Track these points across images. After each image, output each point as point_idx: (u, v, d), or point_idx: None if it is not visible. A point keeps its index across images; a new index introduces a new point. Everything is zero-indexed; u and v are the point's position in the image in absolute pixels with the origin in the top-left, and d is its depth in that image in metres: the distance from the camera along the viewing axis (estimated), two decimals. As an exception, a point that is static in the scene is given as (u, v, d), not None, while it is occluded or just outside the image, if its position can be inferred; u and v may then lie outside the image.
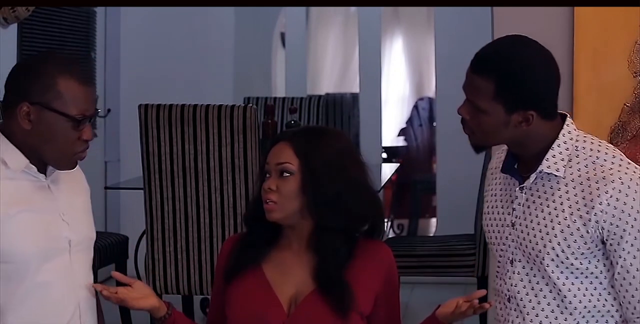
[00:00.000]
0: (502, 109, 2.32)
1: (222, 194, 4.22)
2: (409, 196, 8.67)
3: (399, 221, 8.62)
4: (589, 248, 2.34)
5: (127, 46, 6.83)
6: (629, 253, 2.32)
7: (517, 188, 2.43)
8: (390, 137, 9.42)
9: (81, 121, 2.34)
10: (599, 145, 2.38)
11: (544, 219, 2.37)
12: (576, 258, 2.34)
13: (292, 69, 8.58)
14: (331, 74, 9.86)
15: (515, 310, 2.43)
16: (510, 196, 2.46)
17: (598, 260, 2.36)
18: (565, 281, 2.36)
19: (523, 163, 2.43)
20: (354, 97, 8.42)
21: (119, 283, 2.60)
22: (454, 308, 2.41)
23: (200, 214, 4.26)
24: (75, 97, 2.33)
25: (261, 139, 4.37)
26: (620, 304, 2.37)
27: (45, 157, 2.37)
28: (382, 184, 5.29)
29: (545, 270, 2.36)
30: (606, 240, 2.33)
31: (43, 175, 2.39)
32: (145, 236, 4.39)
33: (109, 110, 6.73)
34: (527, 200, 2.42)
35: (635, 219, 2.30)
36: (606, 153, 2.36)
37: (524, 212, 2.42)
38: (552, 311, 2.39)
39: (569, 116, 2.42)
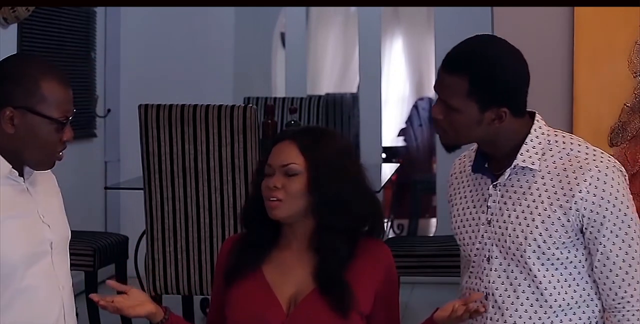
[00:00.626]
0: (475, 107, 2.36)
1: (222, 194, 4.22)
2: (409, 196, 8.67)
3: (399, 221, 8.62)
4: (569, 237, 2.38)
5: (127, 46, 6.83)
6: (608, 239, 2.37)
7: (490, 186, 2.46)
8: (390, 137, 9.41)
9: (64, 123, 2.35)
10: (571, 138, 2.44)
11: (522, 212, 2.41)
12: (557, 248, 2.38)
13: (292, 69, 8.58)
14: (331, 74, 9.86)
15: (493, 307, 2.46)
16: (483, 195, 2.49)
17: (577, 249, 2.40)
18: (545, 274, 2.40)
19: (494, 161, 2.47)
20: (354, 97, 8.42)
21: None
22: (451, 311, 2.41)
23: (200, 214, 4.26)
24: (58, 100, 2.34)
25: (261, 139, 4.37)
26: (601, 293, 2.42)
27: (26, 160, 2.37)
28: (382, 184, 5.29)
29: (526, 263, 2.40)
30: (586, 228, 2.38)
31: (22, 178, 2.39)
32: (145, 236, 4.39)
33: (109, 110, 6.73)
34: (502, 196, 2.45)
35: (614, 206, 2.36)
36: (579, 145, 2.42)
37: (500, 209, 2.45)
38: (531, 306, 2.42)
39: (537, 113, 2.47)
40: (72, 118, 2.38)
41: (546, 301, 2.41)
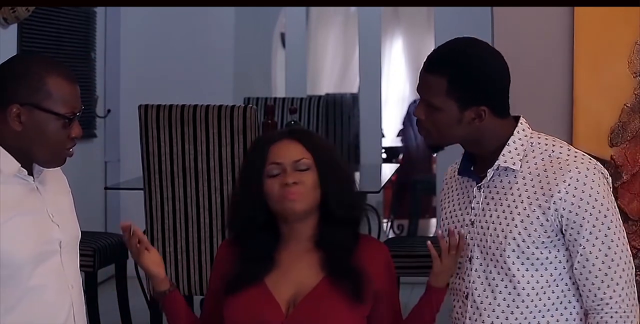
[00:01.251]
0: (455, 105, 2.41)
1: (222, 195, 4.22)
2: (408, 197, 8.66)
3: (399, 221, 8.62)
4: (548, 237, 2.40)
5: (127, 46, 6.83)
6: (587, 240, 2.38)
7: (475, 188, 2.50)
8: (390, 137, 9.42)
9: (71, 119, 2.35)
10: (553, 141, 2.48)
11: (503, 212, 2.44)
12: (537, 247, 2.40)
13: (292, 69, 8.59)
14: (331, 74, 9.87)
15: (472, 307, 2.49)
16: (468, 197, 2.53)
17: (558, 250, 2.42)
18: (524, 273, 2.42)
19: (480, 164, 2.51)
20: (354, 97, 8.42)
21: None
22: (435, 267, 2.50)
23: (200, 215, 4.26)
24: (64, 96, 2.35)
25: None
26: (581, 294, 2.43)
27: (35, 157, 2.38)
28: (382, 185, 5.29)
29: (505, 262, 2.42)
30: (565, 229, 2.39)
31: (31, 177, 2.40)
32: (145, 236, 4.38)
33: (109, 110, 6.73)
34: (485, 198, 2.49)
35: (593, 207, 2.37)
36: (561, 147, 2.45)
37: (482, 209, 2.49)
38: (508, 306, 2.44)
39: (522, 116, 2.50)
40: (79, 114, 2.39)
41: (523, 301, 2.43)
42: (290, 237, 2.54)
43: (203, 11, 6.77)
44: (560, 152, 2.43)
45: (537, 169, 2.42)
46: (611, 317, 2.39)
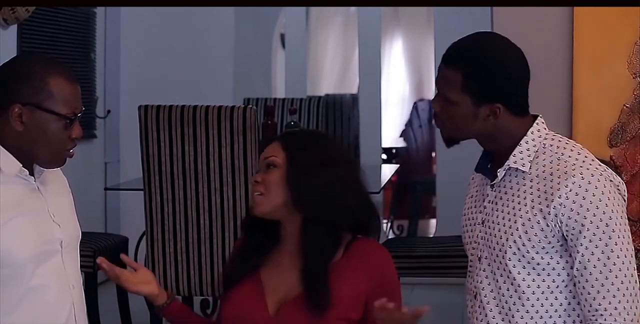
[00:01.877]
0: (469, 101, 2.38)
1: (222, 196, 4.22)
2: (408, 197, 8.67)
3: (398, 222, 8.62)
4: (549, 242, 2.35)
5: (127, 46, 6.83)
6: (586, 248, 2.32)
7: (489, 186, 2.48)
8: (390, 138, 9.41)
9: (72, 120, 2.36)
10: (566, 143, 2.42)
11: (507, 214, 2.41)
12: (537, 252, 2.36)
13: (292, 70, 8.59)
14: (331, 74, 9.87)
15: (479, 307, 2.46)
16: (483, 195, 2.51)
17: (561, 256, 2.36)
18: (525, 277, 2.38)
19: (496, 161, 2.47)
20: (354, 98, 8.42)
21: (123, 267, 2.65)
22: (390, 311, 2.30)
23: (200, 216, 4.26)
24: (66, 96, 2.35)
25: (261, 140, 4.36)
26: (579, 302, 2.36)
27: (36, 157, 2.38)
28: (382, 185, 5.29)
29: (507, 265, 2.39)
30: (566, 235, 2.34)
31: (32, 177, 2.40)
32: (145, 237, 4.38)
33: (108, 111, 6.73)
34: (495, 197, 2.46)
35: (594, 215, 2.31)
36: (571, 150, 2.39)
37: (492, 209, 2.46)
38: (509, 309, 2.40)
39: (540, 116, 2.46)
40: (80, 115, 2.39)
41: (523, 305, 2.38)
42: (285, 236, 2.52)
43: (203, 11, 6.77)
44: (569, 156, 2.37)
45: (544, 172, 2.37)
46: None
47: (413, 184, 8.64)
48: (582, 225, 2.31)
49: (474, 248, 2.52)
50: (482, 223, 2.48)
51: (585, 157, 2.38)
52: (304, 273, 2.44)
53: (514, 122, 2.41)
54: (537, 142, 2.42)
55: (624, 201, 2.39)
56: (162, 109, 4.23)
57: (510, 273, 2.39)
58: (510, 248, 2.38)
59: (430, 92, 9.07)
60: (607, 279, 2.31)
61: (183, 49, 6.86)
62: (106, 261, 2.57)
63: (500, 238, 2.40)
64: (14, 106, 2.32)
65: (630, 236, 2.37)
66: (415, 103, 9.60)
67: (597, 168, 2.35)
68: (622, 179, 2.43)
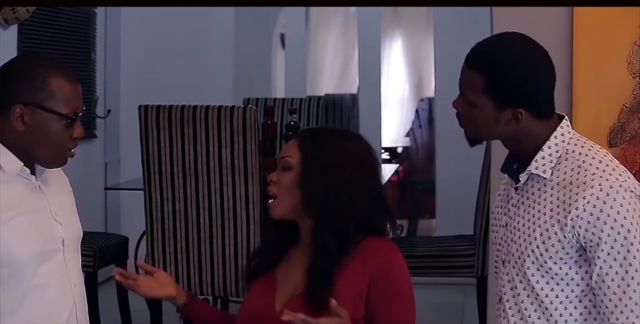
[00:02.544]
0: (492, 105, 2.32)
1: (222, 195, 4.23)
2: (408, 197, 8.67)
3: (398, 221, 8.60)
4: (567, 253, 2.30)
5: (127, 47, 6.83)
6: (604, 261, 2.26)
7: (513, 189, 2.43)
8: (390, 138, 9.42)
9: (74, 119, 2.36)
10: (589, 149, 2.35)
11: (528, 221, 2.36)
12: (555, 263, 2.31)
13: (291, 70, 8.59)
14: (331, 74, 9.87)
15: (504, 311, 2.42)
16: (508, 196, 2.46)
17: (580, 266, 2.31)
18: (544, 286, 2.33)
19: (521, 163, 2.41)
20: (354, 98, 8.42)
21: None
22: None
23: (200, 215, 4.26)
24: (67, 96, 2.35)
25: (261, 140, 4.37)
26: (599, 312, 2.31)
27: (37, 157, 2.39)
28: (382, 185, 5.28)
29: (525, 274, 2.35)
30: (584, 247, 2.28)
31: (34, 176, 2.40)
32: (145, 236, 4.39)
33: (109, 111, 6.73)
34: (518, 201, 2.41)
35: (612, 228, 2.24)
36: (593, 158, 2.32)
37: (514, 213, 2.41)
38: (529, 316, 2.36)
39: (566, 117, 2.40)
40: (81, 114, 2.39)
41: (544, 312, 2.34)
42: (302, 235, 2.51)
43: (203, 11, 6.78)
44: (591, 164, 2.30)
45: (564, 180, 2.31)
46: None
47: (413, 183, 8.64)
48: (600, 238, 2.25)
49: (498, 250, 2.48)
50: (505, 226, 2.43)
51: (607, 165, 2.30)
52: (308, 272, 2.44)
53: (537, 126, 2.35)
54: (559, 147, 2.35)
55: None
56: (162, 109, 4.23)
57: (529, 281, 2.34)
58: (529, 257, 2.33)
59: (430, 92, 9.07)
60: (624, 293, 2.25)
61: (183, 49, 6.86)
62: (120, 272, 2.57)
63: (520, 245, 2.36)
64: (15, 106, 2.32)
65: None
66: (421, 99, 9.59)
67: (617, 178, 2.27)
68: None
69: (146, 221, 4.33)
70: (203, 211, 4.25)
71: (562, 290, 2.33)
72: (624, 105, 3.46)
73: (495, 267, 2.50)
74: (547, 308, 2.34)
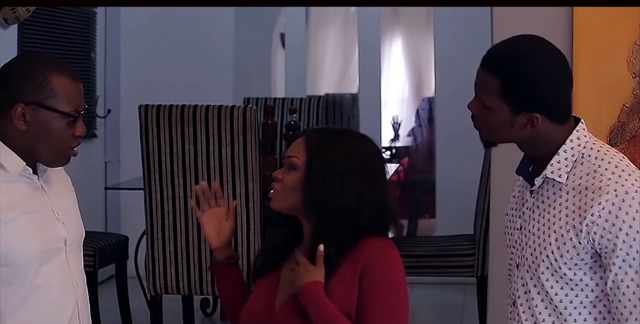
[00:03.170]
0: (507, 109, 2.30)
1: (222, 194, 4.22)
2: (408, 196, 8.66)
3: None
4: (582, 259, 2.29)
5: (127, 46, 6.84)
6: (620, 268, 2.24)
7: (528, 191, 2.40)
8: (390, 137, 9.41)
9: (76, 118, 2.36)
10: (605, 153, 2.32)
11: (543, 225, 2.34)
12: (569, 268, 2.30)
13: (291, 70, 8.59)
14: (331, 74, 9.86)
15: (517, 314, 2.40)
16: (523, 199, 2.43)
17: (595, 272, 2.30)
18: (558, 292, 2.32)
19: (536, 166, 2.39)
20: (354, 97, 8.42)
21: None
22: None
23: (200, 215, 4.26)
24: (69, 94, 2.35)
25: (261, 139, 4.37)
26: (614, 318, 2.30)
27: (40, 156, 2.38)
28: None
29: (540, 278, 2.33)
30: (600, 253, 2.27)
31: (36, 176, 2.40)
32: (145, 236, 4.39)
33: (109, 110, 6.74)
34: (533, 204, 2.39)
35: (627, 234, 2.23)
36: (609, 162, 2.29)
37: (529, 217, 2.39)
38: (543, 321, 2.34)
39: (583, 120, 2.38)
40: (83, 113, 2.39)
41: (558, 317, 2.33)
42: (305, 234, 2.50)
43: (203, 11, 6.78)
44: (606, 169, 2.27)
45: (580, 185, 2.28)
46: None
47: (413, 183, 8.64)
48: (615, 244, 2.23)
49: (512, 253, 2.46)
50: (520, 229, 2.41)
51: (623, 170, 2.28)
52: None
53: (553, 130, 2.32)
54: (575, 151, 2.32)
55: None
56: (162, 108, 4.23)
57: (544, 285, 2.33)
58: (543, 262, 2.31)
59: (430, 91, 9.08)
60: None
61: (183, 48, 6.86)
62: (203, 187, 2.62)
63: (535, 250, 2.34)
64: (16, 105, 2.32)
65: None
66: (422, 99, 9.58)
67: (632, 184, 2.25)
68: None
69: (146, 221, 4.33)
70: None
71: (577, 295, 2.32)
72: (624, 105, 3.47)
73: (510, 269, 2.48)
74: (561, 313, 2.32)
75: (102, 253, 4.72)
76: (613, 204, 2.23)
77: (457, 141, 6.26)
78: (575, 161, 2.33)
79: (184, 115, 4.21)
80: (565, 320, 2.33)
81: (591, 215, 2.24)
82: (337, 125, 7.60)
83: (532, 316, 2.37)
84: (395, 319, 2.42)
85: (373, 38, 8.06)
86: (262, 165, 4.23)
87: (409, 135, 9.50)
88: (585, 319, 2.32)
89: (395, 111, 9.77)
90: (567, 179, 2.32)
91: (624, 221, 2.23)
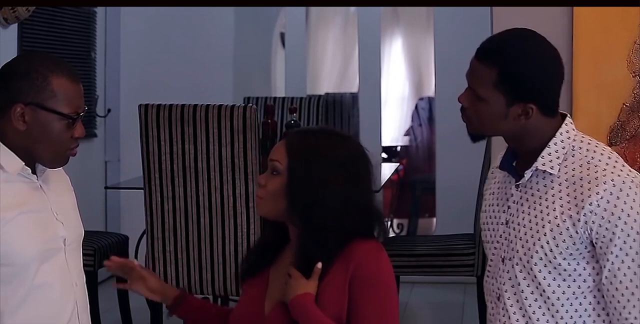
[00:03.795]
0: (502, 99, 2.31)
1: (222, 194, 4.23)
2: (408, 196, 8.67)
3: (398, 220, 8.62)
4: (577, 249, 2.30)
5: (127, 46, 6.84)
6: (617, 256, 2.26)
7: (513, 186, 2.41)
8: (390, 137, 9.42)
9: (75, 119, 2.36)
10: (596, 146, 2.35)
11: (535, 217, 2.35)
12: (564, 259, 2.31)
13: (292, 69, 8.59)
14: (331, 74, 9.86)
15: (502, 309, 2.40)
16: (506, 194, 2.44)
17: (587, 262, 2.32)
18: (551, 283, 2.33)
19: (521, 160, 2.41)
20: (354, 97, 8.42)
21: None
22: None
23: (200, 214, 4.27)
24: (68, 95, 2.35)
25: (261, 139, 4.38)
26: (607, 310, 2.32)
27: (39, 157, 2.38)
28: (382, 184, 5.30)
29: (532, 269, 2.34)
30: (595, 242, 2.28)
31: (35, 176, 2.40)
32: (145, 235, 4.39)
33: (109, 110, 6.74)
34: (521, 198, 2.40)
35: (625, 223, 2.25)
36: (602, 154, 2.32)
37: (517, 210, 2.40)
38: (533, 313, 2.36)
39: (569, 115, 2.41)
40: (83, 114, 2.39)
41: (549, 309, 2.34)
42: (291, 237, 2.49)
43: (203, 11, 6.78)
44: (600, 160, 2.30)
45: (573, 176, 2.30)
46: None
47: (413, 182, 8.64)
48: (613, 233, 2.26)
49: (495, 248, 2.46)
50: (506, 223, 2.42)
51: (616, 161, 2.31)
52: None
53: (543, 123, 2.35)
54: (566, 144, 2.35)
55: None
56: (162, 108, 4.24)
57: (536, 277, 2.34)
58: (537, 253, 2.32)
59: (430, 91, 9.08)
60: (637, 287, 2.26)
61: (183, 48, 6.87)
62: (114, 260, 2.61)
63: (527, 242, 2.35)
64: (16, 106, 2.32)
65: None
66: (421, 98, 9.59)
67: (628, 174, 2.29)
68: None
69: (146, 220, 4.33)
70: (203, 210, 4.26)
71: (569, 286, 2.33)
72: (624, 104, 3.47)
73: (490, 265, 2.48)
74: (553, 304, 2.34)
75: (102, 253, 4.72)
76: (611, 193, 2.25)
77: (457, 140, 6.25)
78: (566, 153, 2.35)
79: (184, 114, 4.21)
80: (557, 311, 2.34)
81: (589, 204, 2.26)
82: (336, 124, 7.61)
83: (521, 309, 2.37)
84: (386, 322, 2.39)
85: (373, 38, 8.05)
86: (262, 164, 4.23)
87: (407, 134, 9.50)
88: (576, 310, 2.34)
89: (395, 110, 9.78)
90: (558, 171, 2.33)
91: (622, 210, 2.25)
